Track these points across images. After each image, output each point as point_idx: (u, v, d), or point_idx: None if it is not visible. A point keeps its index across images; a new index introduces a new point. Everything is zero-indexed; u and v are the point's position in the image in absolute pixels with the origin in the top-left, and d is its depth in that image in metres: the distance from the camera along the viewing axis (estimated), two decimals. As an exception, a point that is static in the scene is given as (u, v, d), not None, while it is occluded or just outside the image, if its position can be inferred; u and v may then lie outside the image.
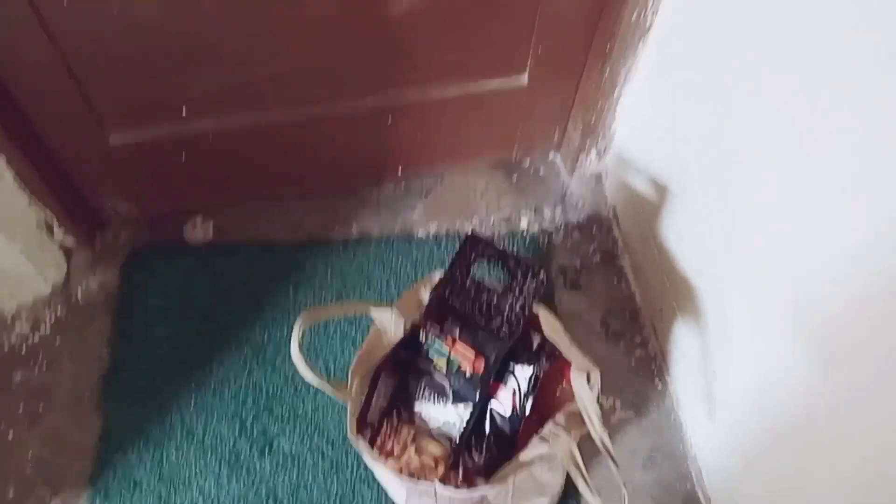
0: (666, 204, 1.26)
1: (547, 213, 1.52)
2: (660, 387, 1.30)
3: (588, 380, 0.95)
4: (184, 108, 1.24)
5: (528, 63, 1.35)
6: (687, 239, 1.21)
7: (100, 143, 1.26)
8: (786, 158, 0.89)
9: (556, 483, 1.11)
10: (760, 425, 1.02)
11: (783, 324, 0.92)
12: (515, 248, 1.47)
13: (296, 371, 0.93)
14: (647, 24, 1.21)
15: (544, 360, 1.02)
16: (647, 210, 1.33)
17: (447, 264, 1.06)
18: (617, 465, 0.88)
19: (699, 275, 1.17)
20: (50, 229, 1.34)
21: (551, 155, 1.61)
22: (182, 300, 1.38)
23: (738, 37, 0.97)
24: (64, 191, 1.33)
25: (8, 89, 1.12)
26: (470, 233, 1.08)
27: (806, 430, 0.91)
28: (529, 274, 1.02)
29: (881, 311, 0.74)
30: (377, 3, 1.14)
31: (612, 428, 1.26)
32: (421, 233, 1.49)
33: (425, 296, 1.08)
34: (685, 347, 1.23)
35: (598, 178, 1.56)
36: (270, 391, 1.29)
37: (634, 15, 1.19)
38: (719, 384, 1.12)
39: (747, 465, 1.08)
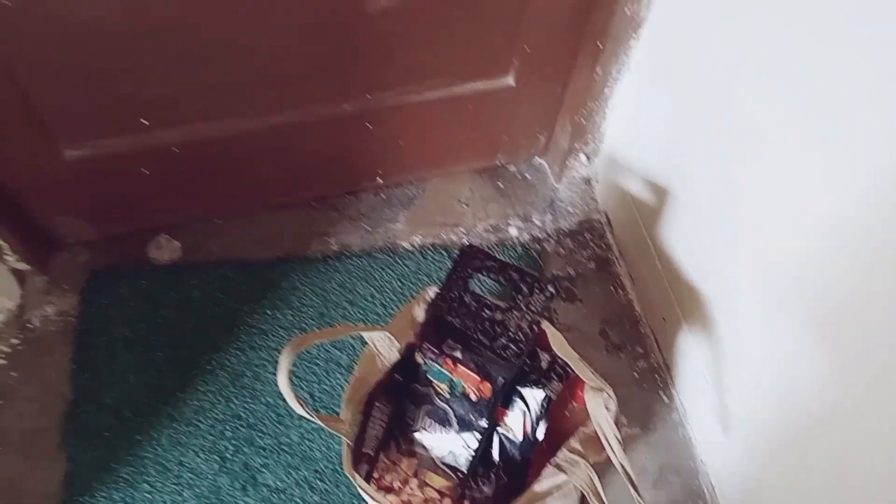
0: (664, 206, 1.20)
1: (536, 220, 1.45)
2: (666, 400, 1.24)
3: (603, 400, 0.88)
4: (145, 117, 1.14)
5: (514, 62, 1.27)
6: (689, 241, 1.15)
7: (52, 158, 1.15)
8: (787, 150, 0.85)
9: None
10: (779, 437, 0.97)
11: (803, 328, 0.86)
12: (507, 258, 1.39)
13: (278, 397, 0.84)
14: (640, 19, 1.15)
15: (556, 380, 0.95)
16: (644, 213, 1.27)
17: (437, 278, 0.98)
18: (642, 498, 0.81)
19: (705, 279, 1.11)
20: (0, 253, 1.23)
21: (538, 159, 1.55)
22: (149, 326, 1.27)
23: (735, 28, 0.93)
24: (14, 211, 1.21)
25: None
26: (466, 244, 1.01)
27: (830, 439, 0.86)
28: (535, 287, 0.95)
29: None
30: (352, 1, 1.06)
31: (617, 445, 1.19)
32: (405, 245, 1.40)
33: (420, 314, 1.00)
34: (692, 358, 1.17)
35: (588, 181, 1.49)
36: (251, 420, 1.19)
37: (626, 9, 1.13)
38: (733, 397, 1.06)
39: (764, 478, 1.02)
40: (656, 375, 1.27)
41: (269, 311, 1.30)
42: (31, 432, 1.16)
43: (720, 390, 1.09)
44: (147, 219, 1.37)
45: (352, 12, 1.08)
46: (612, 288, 1.37)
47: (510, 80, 1.31)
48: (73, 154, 1.16)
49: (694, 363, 1.17)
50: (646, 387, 1.25)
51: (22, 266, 1.28)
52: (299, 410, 0.84)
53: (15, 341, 1.25)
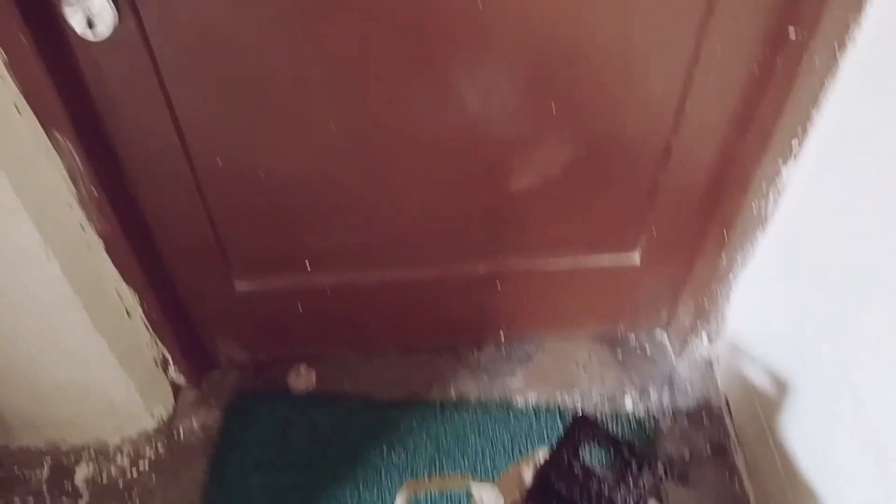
0: (785, 398, 1.19)
1: (653, 395, 1.46)
2: None
3: None
4: (308, 261, 1.31)
5: (641, 242, 1.36)
6: (809, 439, 1.13)
7: (226, 289, 1.33)
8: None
9: None
10: None
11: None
12: (620, 430, 1.40)
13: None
14: (767, 215, 1.21)
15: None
16: (764, 403, 1.26)
17: (547, 440, 1.03)
18: None
19: (823, 481, 1.08)
20: (164, 367, 1.40)
21: (659, 333, 1.58)
22: (279, 450, 1.37)
23: (869, 229, 0.95)
24: (184, 330, 1.39)
25: (150, 232, 1.21)
26: (580, 413, 1.05)
27: None
28: (645, 466, 0.97)
29: None
30: (499, 175, 1.20)
31: None
32: (520, 401, 1.45)
33: (528, 475, 1.04)
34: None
35: (709, 362, 1.50)
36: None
37: (754, 206, 1.19)
38: None
39: None
40: (770, 577, 1.20)
41: (385, 450, 1.38)
42: (161, 535, 1.27)
43: None
44: (292, 349, 1.52)
45: (496, 187, 1.22)
46: (727, 476, 1.33)
47: (636, 258, 1.38)
48: (242, 286, 1.34)
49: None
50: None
51: (180, 380, 1.45)
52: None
53: (161, 448, 1.39)
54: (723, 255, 1.29)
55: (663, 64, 1.06)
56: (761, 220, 1.21)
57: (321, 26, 0.96)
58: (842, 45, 0.95)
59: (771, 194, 1.16)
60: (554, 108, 1.10)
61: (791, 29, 1.00)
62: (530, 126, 1.13)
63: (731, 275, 1.33)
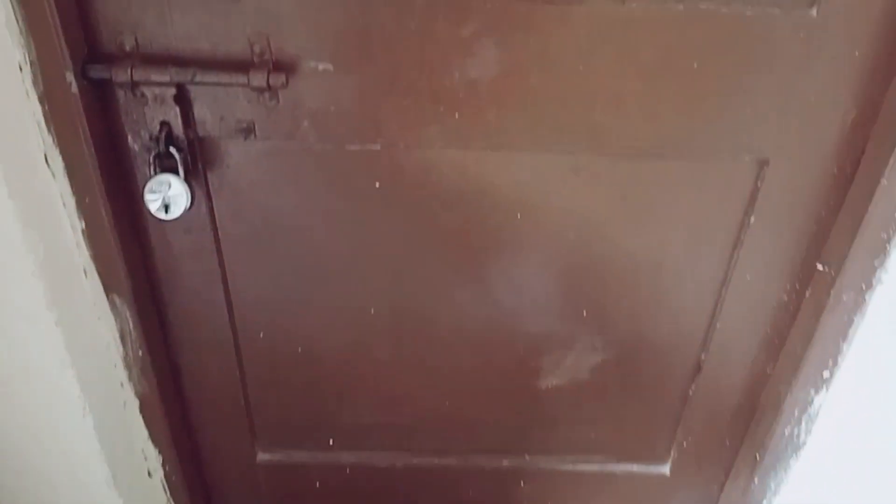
0: None
1: None
2: None
3: None
4: (332, 437, 1.31)
5: (671, 454, 1.33)
6: None
7: (248, 458, 1.33)
8: None
9: None
10: None
11: None
12: None
13: None
14: (801, 442, 1.18)
15: None
16: None
17: None
18: None
19: None
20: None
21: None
22: None
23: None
24: (201, 497, 1.38)
25: (184, 395, 1.24)
26: None
27: None
28: None
29: None
30: (529, 371, 1.22)
31: None
32: None
33: None
34: None
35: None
36: None
37: (786, 430, 1.17)
38: None
39: None
40: None
41: None
42: None
43: None
44: (304, 525, 1.48)
45: (525, 382, 1.23)
46: None
47: (665, 470, 1.35)
48: (264, 457, 1.34)
49: None
50: None
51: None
52: None
53: None
54: (755, 478, 1.25)
55: (694, 283, 1.10)
56: (795, 447, 1.18)
57: (374, 222, 1.04)
58: (869, 285, 0.97)
59: (804, 421, 1.14)
60: (585, 312, 1.14)
61: (819, 265, 1.03)
62: (561, 327, 1.16)
63: (764, 501, 1.27)
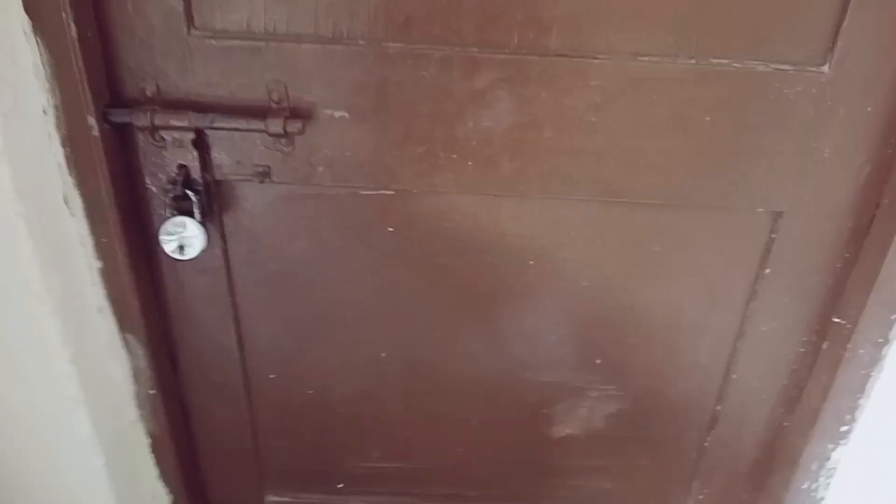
0: None
1: None
2: None
3: None
4: (343, 482, 1.30)
5: (687, 505, 1.30)
6: None
7: (256, 500, 1.32)
8: None
9: None
10: None
11: None
12: None
13: None
14: (820, 497, 1.15)
15: None
16: None
17: None
18: None
19: None
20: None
21: None
22: None
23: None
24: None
25: (194, 435, 1.24)
26: None
27: None
28: None
29: None
30: (541, 420, 1.20)
31: None
32: None
33: None
34: None
35: None
36: None
37: (805, 485, 1.14)
38: None
39: None
40: None
41: None
42: None
43: None
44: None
45: (537, 431, 1.22)
46: None
47: (680, 523, 1.32)
48: (273, 499, 1.33)
49: None
50: None
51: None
52: None
53: None
54: (773, 534, 1.22)
55: (709, 334, 1.09)
56: (814, 502, 1.15)
57: (387, 267, 1.04)
58: (886, 339, 0.96)
59: (822, 476, 1.12)
60: (598, 360, 1.13)
61: (836, 318, 1.02)
62: (574, 376, 1.15)
63: (783, 559, 1.24)
